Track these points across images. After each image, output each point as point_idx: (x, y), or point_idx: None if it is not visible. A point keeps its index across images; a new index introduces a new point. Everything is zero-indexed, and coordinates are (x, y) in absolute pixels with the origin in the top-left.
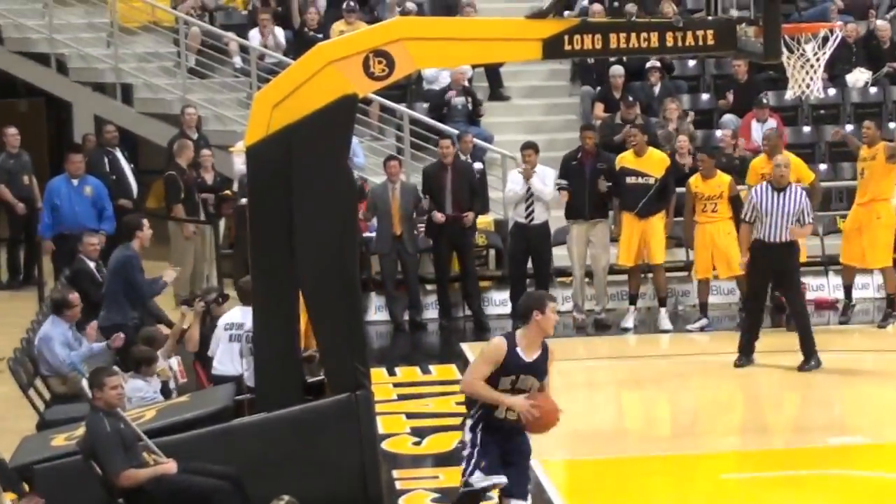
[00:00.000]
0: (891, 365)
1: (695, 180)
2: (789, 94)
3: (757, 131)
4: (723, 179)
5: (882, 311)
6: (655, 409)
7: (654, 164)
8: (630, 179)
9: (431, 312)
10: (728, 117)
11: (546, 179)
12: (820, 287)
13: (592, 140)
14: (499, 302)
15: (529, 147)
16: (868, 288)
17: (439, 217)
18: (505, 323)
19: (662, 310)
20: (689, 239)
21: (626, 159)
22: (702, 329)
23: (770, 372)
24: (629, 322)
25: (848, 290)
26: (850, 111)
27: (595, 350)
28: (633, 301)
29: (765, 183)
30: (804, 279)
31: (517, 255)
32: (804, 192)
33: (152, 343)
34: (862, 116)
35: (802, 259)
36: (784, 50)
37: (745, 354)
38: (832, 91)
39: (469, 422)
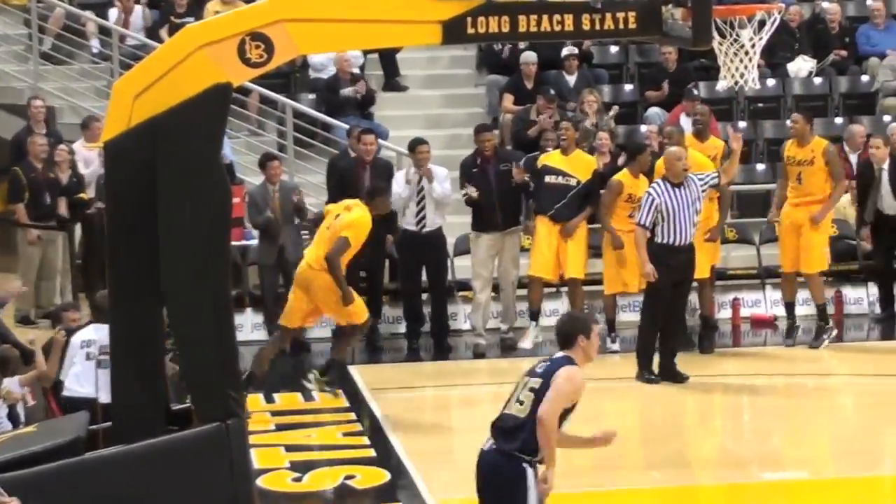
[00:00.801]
0: (831, 391)
1: (626, 178)
2: (721, 85)
3: (687, 126)
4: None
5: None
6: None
7: (580, 165)
8: (550, 179)
9: (316, 330)
10: (654, 111)
11: (441, 179)
12: (756, 303)
13: (492, 142)
14: (392, 319)
15: (422, 143)
16: (811, 303)
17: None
18: (399, 342)
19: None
20: (616, 242)
21: (551, 158)
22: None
23: (698, 398)
24: (527, 342)
25: (790, 307)
26: (792, 104)
27: (501, 373)
28: (534, 317)
29: (660, 180)
30: (739, 294)
31: (409, 266)
32: (696, 178)
33: (4, 365)
34: (806, 110)
35: (713, 262)
36: (715, 35)
37: (646, 368)
38: (771, 82)
39: (530, 469)
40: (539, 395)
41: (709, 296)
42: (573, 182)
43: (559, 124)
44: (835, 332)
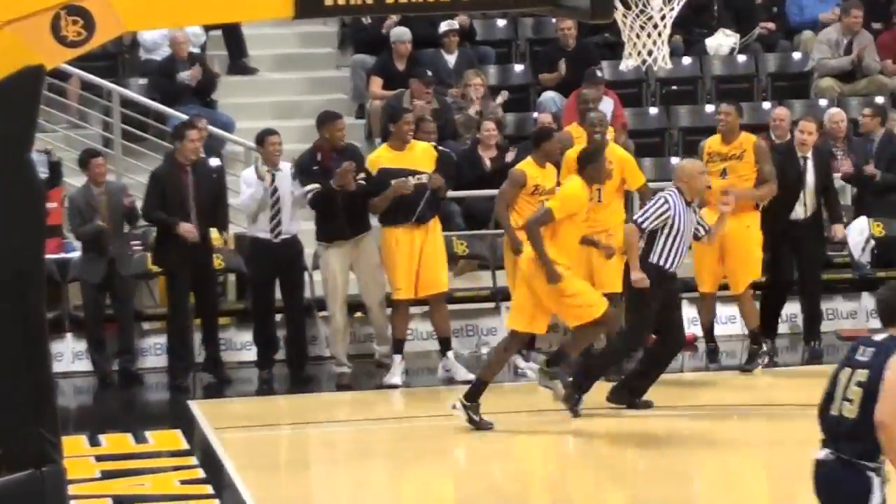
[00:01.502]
0: (761, 423)
1: (531, 168)
2: (626, 65)
3: (607, 109)
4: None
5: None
6: (441, 489)
7: (419, 157)
8: (414, 181)
9: (152, 359)
10: (549, 96)
11: (288, 177)
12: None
13: (342, 133)
14: (241, 345)
15: (272, 134)
16: (735, 321)
17: (187, 230)
18: (250, 372)
19: (449, 355)
20: (516, 246)
21: (382, 157)
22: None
23: (611, 434)
24: (396, 377)
25: (710, 331)
26: (712, 86)
27: (368, 407)
28: (398, 348)
29: (674, 190)
30: None
31: (261, 282)
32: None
33: None
34: (727, 94)
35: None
36: (619, 5)
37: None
38: (687, 60)
39: (876, 479)
40: (868, 389)
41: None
42: (424, 178)
43: (439, 113)
44: (766, 358)
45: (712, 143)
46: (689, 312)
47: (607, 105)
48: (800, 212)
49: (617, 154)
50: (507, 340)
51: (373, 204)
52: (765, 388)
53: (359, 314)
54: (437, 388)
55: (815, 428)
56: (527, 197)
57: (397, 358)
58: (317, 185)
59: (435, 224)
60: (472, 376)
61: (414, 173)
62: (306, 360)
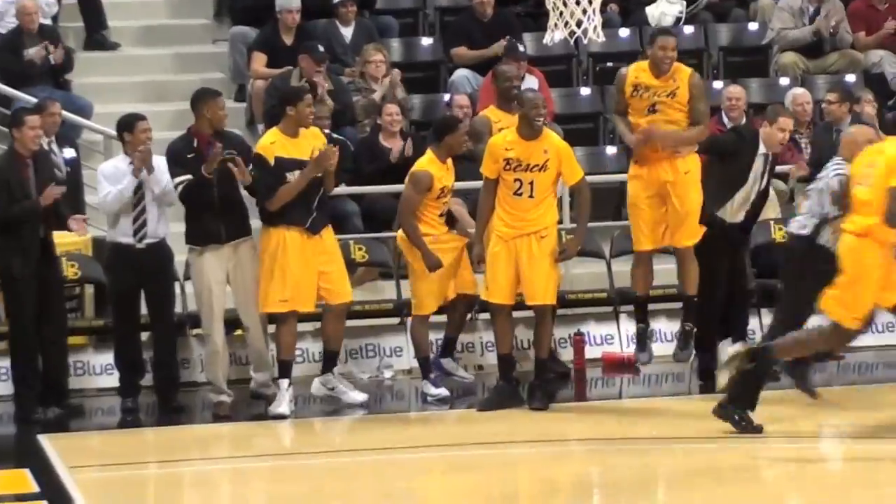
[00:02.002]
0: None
1: (435, 166)
2: (551, 37)
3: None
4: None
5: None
6: None
7: (309, 146)
8: (294, 177)
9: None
10: (462, 74)
11: (163, 172)
12: (608, 338)
13: (224, 113)
14: (100, 369)
15: (139, 120)
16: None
17: (76, 226)
18: (108, 401)
19: (335, 371)
20: (431, 261)
21: (279, 146)
22: (443, 399)
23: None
24: (283, 406)
25: (644, 306)
26: None
27: (249, 442)
28: (285, 372)
29: None
30: (583, 326)
31: (124, 294)
32: None
33: None
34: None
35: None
36: None
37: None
38: (624, 32)
39: None
40: None
41: (548, 330)
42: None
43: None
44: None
45: (639, 73)
46: (629, 327)
47: (531, 84)
48: (739, 215)
49: (553, 143)
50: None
51: (284, 190)
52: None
53: (240, 332)
54: (333, 419)
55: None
56: (431, 202)
57: (284, 383)
58: (189, 176)
59: (328, 228)
60: (361, 397)
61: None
62: (177, 387)
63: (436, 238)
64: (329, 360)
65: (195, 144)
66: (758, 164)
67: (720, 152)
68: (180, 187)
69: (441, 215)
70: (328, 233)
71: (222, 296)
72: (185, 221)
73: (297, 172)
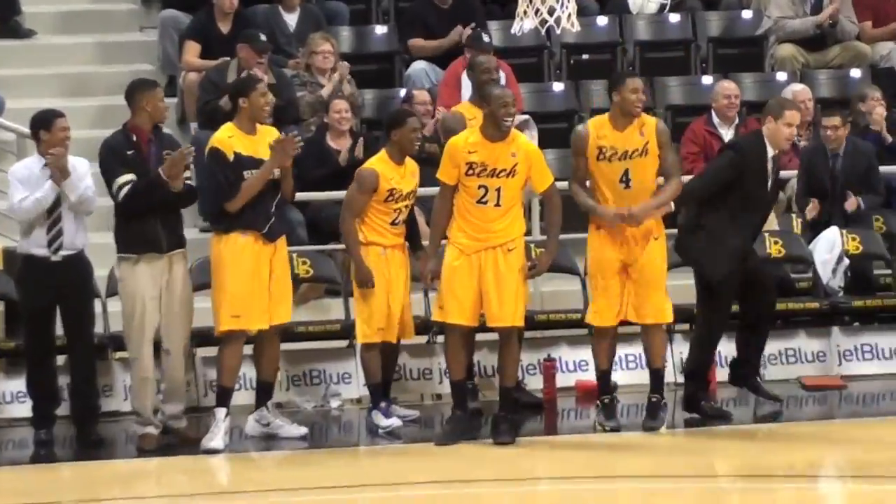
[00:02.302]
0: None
1: (384, 165)
2: (520, 26)
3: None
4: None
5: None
6: None
7: (265, 145)
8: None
9: None
10: (420, 67)
11: (81, 176)
12: (582, 365)
13: (164, 104)
14: (10, 396)
15: (57, 117)
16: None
17: None
18: (23, 433)
19: (270, 405)
20: (364, 276)
21: (237, 141)
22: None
23: None
24: (217, 440)
25: (605, 377)
26: (635, 55)
27: (181, 480)
28: (223, 400)
29: None
30: (553, 351)
31: (37, 313)
32: None
33: None
34: (653, 65)
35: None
36: None
37: None
38: (602, 21)
39: None
40: None
41: (515, 355)
42: (278, 174)
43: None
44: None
45: (601, 130)
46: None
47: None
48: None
49: (522, 145)
50: None
51: (247, 187)
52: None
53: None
54: (271, 453)
55: None
56: (379, 205)
57: (221, 413)
58: (132, 176)
59: (283, 243)
60: (300, 431)
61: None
62: (97, 417)
63: (384, 250)
64: (263, 393)
65: (135, 140)
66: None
67: (722, 184)
68: (125, 188)
69: (393, 223)
70: (282, 244)
71: (155, 313)
72: (116, 227)
73: (255, 173)
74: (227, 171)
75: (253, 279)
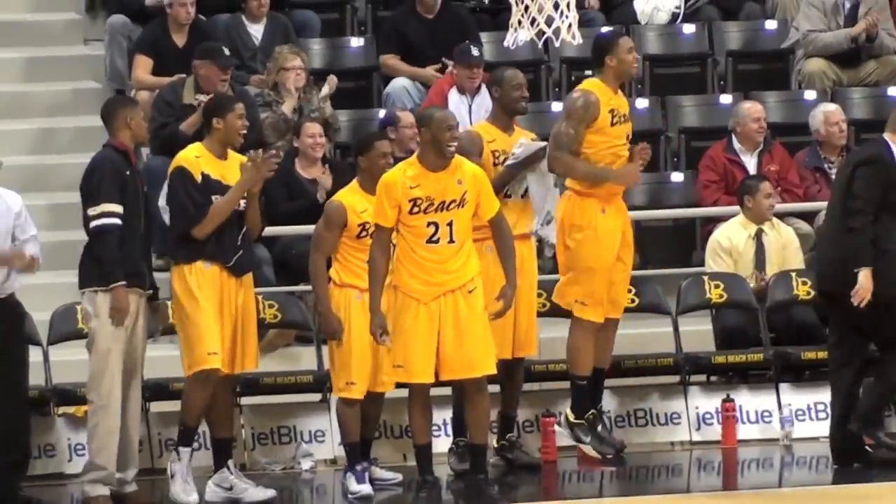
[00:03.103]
0: None
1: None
2: (514, 38)
3: (459, 107)
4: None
5: None
6: None
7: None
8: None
9: None
10: (400, 84)
11: (12, 204)
12: None
13: (145, 126)
14: None
15: None
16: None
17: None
18: None
19: (230, 465)
20: (332, 327)
21: (205, 162)
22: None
23: None
24: (193, 495)
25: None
26: (645, 71)
27: None
28: (187, 439)
29: None
30: (553, 406)
31: None
32: None
33: None
34: (665, 82)
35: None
36: None
37: None
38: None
39: None
40: None
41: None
42: (244, 203)
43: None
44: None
45: (606, 94)
46: (616, 403)
47: (487, 98)
48: None
49: (466, 170)
50: None
51: (216, 210)
52: None
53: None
54: None
55: None
56: (351, 241)
57: (185, 453)
58: (120, 209)
59: (250, 281)
60: (266, 494)
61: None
62: (23, 474)
63: (360, 294)
64: (222, 452)
65: (130, 159)
66: None
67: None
68: (112, 220)
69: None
70: (249, 282)
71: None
72: (87, 255)
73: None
74: (194, 192)
75: (215, 314)
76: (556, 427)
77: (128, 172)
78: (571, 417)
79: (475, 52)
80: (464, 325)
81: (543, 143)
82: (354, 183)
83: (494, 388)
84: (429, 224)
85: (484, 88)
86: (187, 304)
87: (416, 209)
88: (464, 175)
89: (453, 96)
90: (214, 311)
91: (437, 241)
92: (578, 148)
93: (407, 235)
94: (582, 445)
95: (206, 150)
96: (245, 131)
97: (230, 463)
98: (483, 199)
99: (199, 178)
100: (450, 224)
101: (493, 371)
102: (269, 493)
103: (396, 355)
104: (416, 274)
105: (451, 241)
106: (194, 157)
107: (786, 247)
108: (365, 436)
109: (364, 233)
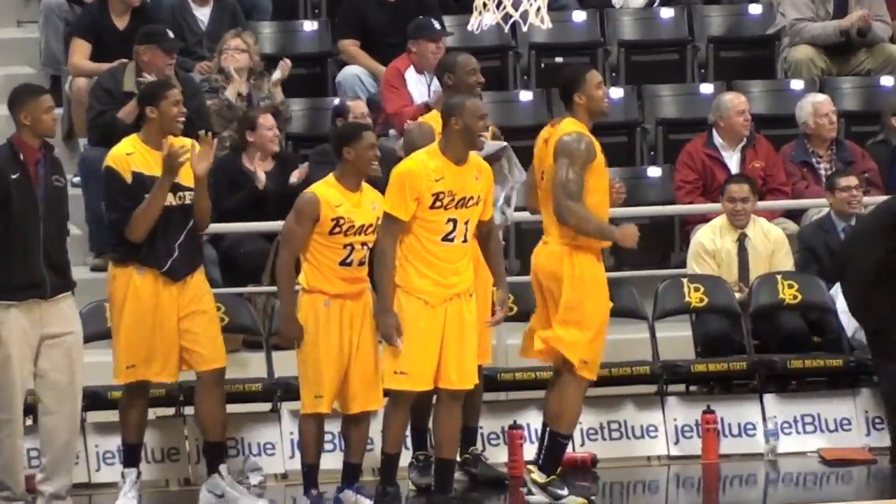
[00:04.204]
0: None
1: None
2: (478, 22)
3: (419, 89)
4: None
5: None
6: None
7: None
8: (174, 202)
9: None
10: (352, 72)
11: None
12: None
13: (49, 117)
14: None
15: None
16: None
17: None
18: None
19: (222, 469)
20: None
21: (137, 159)
22: None
23: None
24: None
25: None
26: (619, 58)
27: None
28: (132, 460)
29: None
30: (520, 417)
31: None
32: None
33: None
34: (642, 70)
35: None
36: None
37: None
38: (580, 17)
39: None
40: None
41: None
42: (190, 196)
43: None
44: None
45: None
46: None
47: None
48: None
49: (481, 166)
50: None
51: (140, 212)
52: None
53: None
54: None
55: None
56: (323, 238)
57: (131, 475)
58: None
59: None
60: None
61: (179, 189)
62: None
63: (328, 300)
64: (213, 455)
65: (22, 158)
66: None
67: None
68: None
69: (344, 263)
70: (197, 280)
71: (30, 374)
72: None
73: (181, 197)
74: (121, 195)
75: (147, 324)
76: (527, 499)
77: (14, 175)
78: (541, 479)
79: (436, 24)
80: (467, 333)
81: (503, 144)
82: (331, 177)
83: None
84: (448, 220)
85: None
86: (114, 310)
87: (437, 204)
88: (480, 171)
89: (411, 76)
90: (142, 320)
91: (452, 240)
92: (580, 191)
93: (419, 231)
94: (562, 502)
95: (142, 142)
96: (182, 119)
97: (222, 468)
98: (487, 198)
99: (128, 178)
100: (466, 223)
101: (477, 382)
102: (262, 502)
103: (400, 361)
104: (427, 274)
105: (465, 240)
106: (125, 155)
107: (775, 252)
108: (351, 459)
109: (337, 228)
